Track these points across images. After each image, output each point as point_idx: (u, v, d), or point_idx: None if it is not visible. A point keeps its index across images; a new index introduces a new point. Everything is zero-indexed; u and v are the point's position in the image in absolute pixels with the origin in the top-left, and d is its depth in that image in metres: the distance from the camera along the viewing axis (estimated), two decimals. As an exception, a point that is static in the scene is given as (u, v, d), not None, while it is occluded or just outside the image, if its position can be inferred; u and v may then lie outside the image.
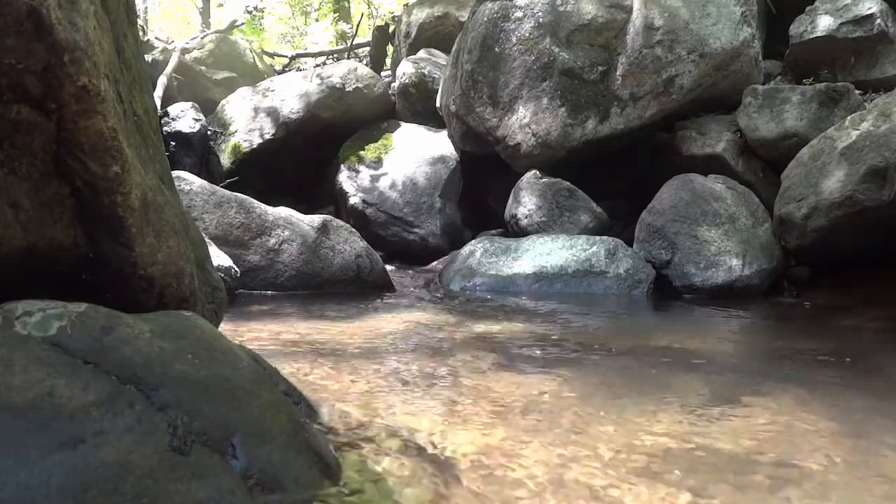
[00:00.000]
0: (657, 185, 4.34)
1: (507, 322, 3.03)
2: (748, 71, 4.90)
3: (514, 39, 5.13)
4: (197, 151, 6.48)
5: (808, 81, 5.07)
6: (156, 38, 9.19)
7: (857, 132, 3.68)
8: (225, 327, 1.62)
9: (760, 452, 1.39)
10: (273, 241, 3.74)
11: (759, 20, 5.16)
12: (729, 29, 4.84)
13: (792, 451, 1.40)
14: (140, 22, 6.65)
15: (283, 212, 3.94)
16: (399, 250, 5.53)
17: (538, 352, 2.41)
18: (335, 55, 9.61)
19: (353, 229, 4.15)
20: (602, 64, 4.96)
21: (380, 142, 6.16)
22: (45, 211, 1.04)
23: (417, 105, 6.56)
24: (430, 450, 1.31)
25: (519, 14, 5.14)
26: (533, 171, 4.92)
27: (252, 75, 7.89)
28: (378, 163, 5.96)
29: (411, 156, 5.92)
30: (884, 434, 1.54)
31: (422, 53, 7.09)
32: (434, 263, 5.08)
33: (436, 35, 7.51)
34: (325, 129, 6.34)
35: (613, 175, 5.28)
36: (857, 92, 4.56)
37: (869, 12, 5.01)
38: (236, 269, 3.43)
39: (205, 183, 3.83)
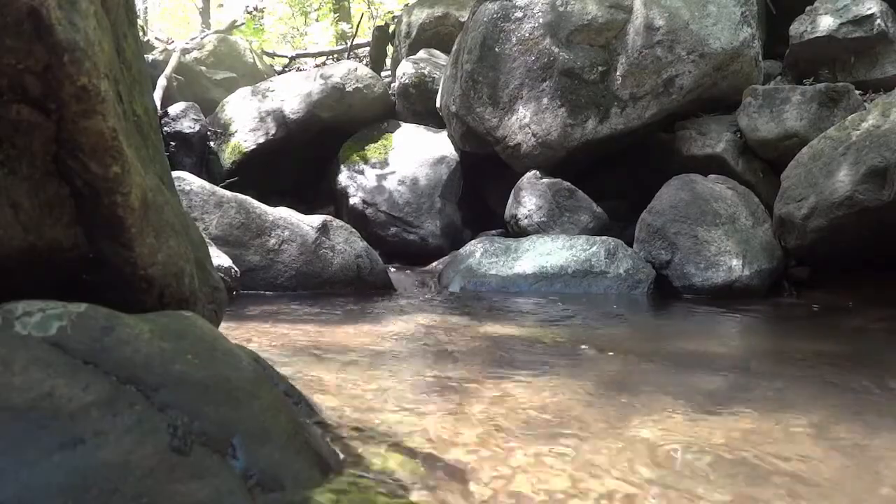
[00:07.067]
0: (657, 185, 4.34)
1: (508, 323, 3.03)
2: (748, 71, 4.90)
3: (514, 39, 5.13)
4: (197, 151, 6.48)
5: (808, 81, 5.07)
6: (156, 38, 9.20)
7: (858, 132, 3.68)
8: (225, 327, 1.62)
9: (767, 455, 1.39)
10: (273, 241, 3.74)
11: (759, 20, 5.16)
12: (729, 29, 4.84)
13: (802, 455, 1.40)
14: (140, 22, 6.65)
15: (283, 212, 3.93)
16: (399, 250, 5.52)
17: (540, 353, 2.41)
18: (335, 55, 9.61)
19: (353, 229, 4.15)
20: (602, 64, 4.96)
21: (380, 142, 6.16)
22: (45, 211, 1.04)
23: (417, 105, 6.56)
24: (431, 451, 1.31)
25: (519, 14, 5.14)
26: (533, 172, 4.92)
27: (252, 75, 7.88)
28: (378, 163, 5.96)
29: (411, 156, 5.91)
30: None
31: (422, 53, 7.09)
32: (434, 264, 5.08)
33: (436, 35, 7.51)
34: (325, 129, 6.34)
35: (613, 175, 5.29)
36: (857, 92, 4.56)
37: (869, 12, 5.02)
38: (236, 269, 3.42)
39: (205, 183, 3.82)
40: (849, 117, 3.92)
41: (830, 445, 1.45)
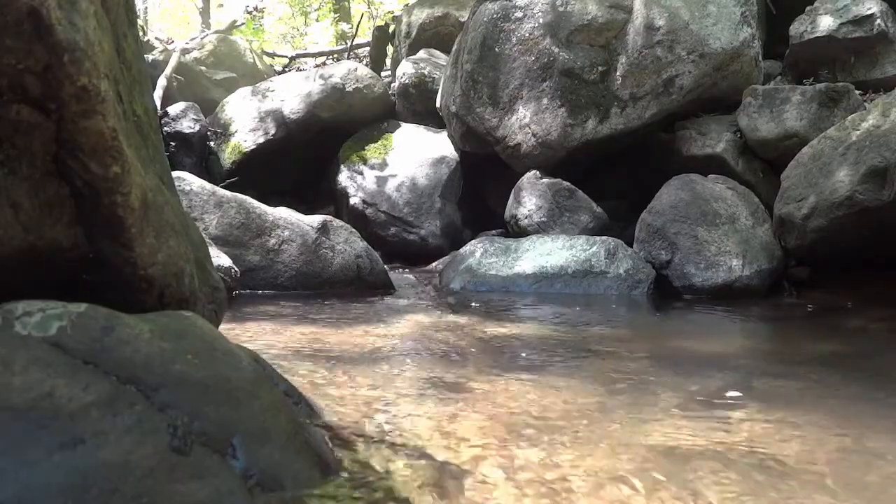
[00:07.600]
0: (657, 185, 4.34)
1: (508, 323, 3.03)
2: (748, 71, 4.90)
3: (514, 40, 5.13)
4: (197, 151, 6.48)
5: (808, 81, 5.07)
6: (156, 38, 9.20)
7: (858, 132, 3.68)
8: (225, 327, 1.62)
9: (770, 453, 1.39)
10: (273, 241, 3.74)
11: (759, 20, 5.15)
12: (729, 29, 4.84)
13: (801, 453, 1.39)
14: (140, 22, 6.65)
15: (283, 212, 3.93)
16: (399, 250, 5.52)
17: (541, 354, 2.41)
18: (335, 55, 9.61)
19: (353, 229, 4.15)
20: (602, 64, 4.96)
21: (380, 142, 6.16)
22: (45, 211, 1.04)
23: (417, 105, 6.56)
24: (429, 451, 1.31)
25: (519, 14, 5.14)
26: (533, 172, 4.92)
27: (252, 75, 7.88)
28: (378, 163, 5.96)
29: (411, 156, 5.91)
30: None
31: (422, 53, 7.09)
32: (434, 264, 5.07)
33: (436, 35, 7.51)
34: (325, 129, 6.34)
35: (613, 175, 5.28)
36: (857, 92, 4.56)
37: (869, 12, 5.01)
38: (236, 269, 3.42)
39: (205, 183, 3.82)
40: (849, 117, 3.92)
41: (830, 444, 1.45)
